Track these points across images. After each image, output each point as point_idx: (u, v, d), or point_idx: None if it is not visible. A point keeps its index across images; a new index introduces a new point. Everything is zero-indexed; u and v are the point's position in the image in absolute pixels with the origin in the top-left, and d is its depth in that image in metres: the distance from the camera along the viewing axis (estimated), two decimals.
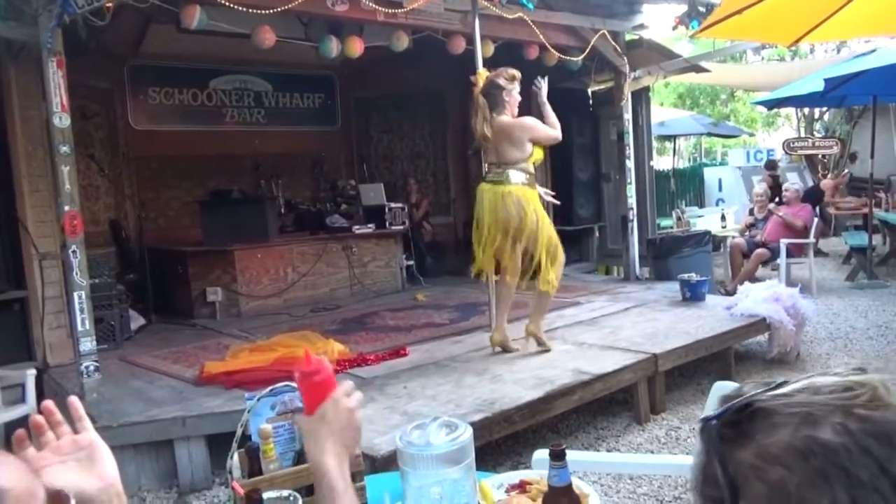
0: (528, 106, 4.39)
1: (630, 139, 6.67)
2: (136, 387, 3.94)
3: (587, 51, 6.00)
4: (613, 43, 6.33)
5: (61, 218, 3.64)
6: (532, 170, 4.08)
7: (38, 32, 3.55)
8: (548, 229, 4.05)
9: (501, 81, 4.03)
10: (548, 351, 4.14)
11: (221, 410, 3.39)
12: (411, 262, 7.39)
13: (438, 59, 5.79)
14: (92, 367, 3.72)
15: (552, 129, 4.12)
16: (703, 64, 7.37)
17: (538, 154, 4.12)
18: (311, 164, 8.05)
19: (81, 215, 3.78)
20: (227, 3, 3.85)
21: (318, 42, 5.11)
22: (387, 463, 2.63)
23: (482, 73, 4.23)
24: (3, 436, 3.84)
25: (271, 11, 4.13)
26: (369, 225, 6.97)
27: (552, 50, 5.77)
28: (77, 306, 3.65)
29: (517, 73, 4.10)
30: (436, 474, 1.14)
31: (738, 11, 3.63)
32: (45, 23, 3.43)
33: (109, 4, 3.62)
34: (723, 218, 7.97)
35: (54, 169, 3.68)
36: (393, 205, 7.17)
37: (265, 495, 1.14)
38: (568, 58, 5.96)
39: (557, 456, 1.07)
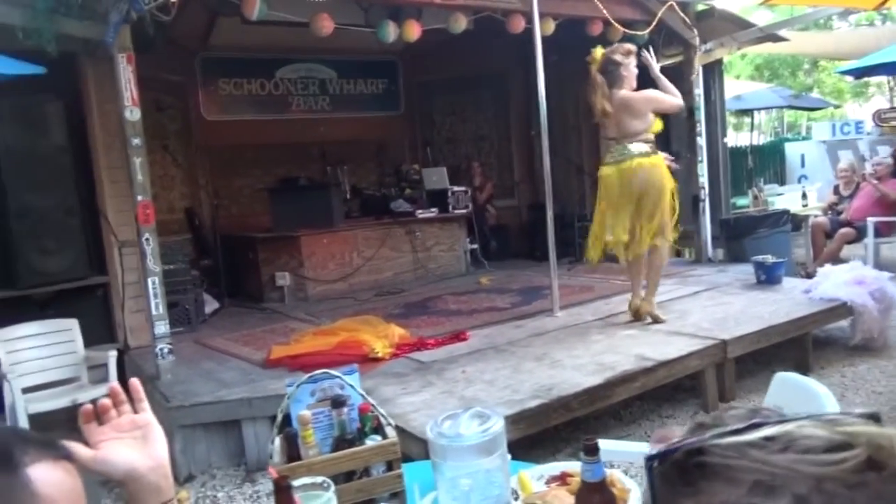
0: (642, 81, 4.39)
1: (702, 115, 6.39)
2: (208, 368, 4.11)
3: (654, 24, 5.77)
4: (682, 14, 6.05)
5: (134, 207, 3.81)
6: (652, 139, 4.22)
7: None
8: (671, 196, 4.21)
9: (618, 57, 4.19)
10: (663, 322, 4.27)
11: (285, 392, 3.48)
12: (475, 246, 7.37)
13: (500, 40, 5.69)
14: (166, 350, 3.90)
15: (674, 98, 4.28)
16: (782, 33, 6.95)
17: (658, 125, 4.26)
18: (376, 150, 8.12)
19: (155, 205, 3.95)
20: None
21: (376, 27, 5.12)
22: None
23: (598, 51, 4.29)
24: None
25: None
26: (433, 209, 6.99)
27: (616, 25, 5.57)
28: (151, 291, 3.83)
29: (632, 48, 4.27)
30: (467, 465, 1.12)
31: None
32: (111, 20, 3.57)
33: (174, 0, 3.73)
34: (804, 196, 7.53)
35: (128, 160, 3.85)
36: (456, 188, 7.16)
37: (300, 481, 1.16)
38: (633, 32, 5.73)
39: (590, 450, 1.02)
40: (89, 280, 4.75)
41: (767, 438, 0.45)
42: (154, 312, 3.85)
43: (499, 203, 8.15)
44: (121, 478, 0.91)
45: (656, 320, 4.31)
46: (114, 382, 0.99)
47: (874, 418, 0.47)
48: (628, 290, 5.38)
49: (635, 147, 4.12)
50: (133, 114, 3.69)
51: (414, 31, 5.03)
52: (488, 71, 8.03)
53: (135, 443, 0.94)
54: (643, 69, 4.33)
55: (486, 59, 7.49)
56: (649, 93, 4.23)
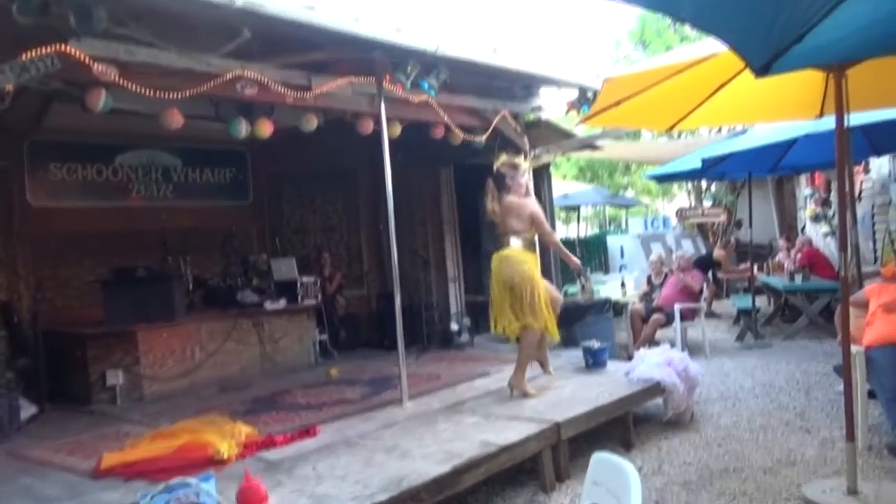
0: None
1: None
2: (26, 484, 3.70)
3: (490, 130, 6.39)
4: (514, 123, 6.77)
5: None
6: (530, 237, 4.99)
7: None
8: (538, 286, 4.82)
9: (504, 170, 4.96)
10: (534, 396, 4.78)
11: None
12: (324, 337, 7.36)
13: (350, 136, 5.98)
14: None
15: (553, 235, 5.36)
16: (598, 142, 7.95)
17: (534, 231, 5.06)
18: (222, 240, 7.96)
19: None
20: (134, 89, 3.90)
21: (228, 123, 5.19)
22: None
23: (498, 161, 5.02)
24: None
25: (180, 96, 4.21)
26: (281, 300, 6.93)
27: (457, 130, 6.11)
28: None
29: (518, 162, 5.05)
30: None
31: (616, 103, 4.05)
32: None
33: (10, 88, 3.60)
34: (622, 285, 8.42)
35: None
36: (305, 279, 7.18)
37: None
38: (472, 137, 6.31)
39: None
40: None
41: None
42: None
43: (348, 293, 8.25)
44: None
45: (526, 395, 4.78)
46: None
47: None
48: (473, 376, 5.70)
49: (513, 241, 4.86)
50: None
51: (266, 128, 5.17)
52: (338, 166, 8.30)
53: None
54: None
55: (336, 154, 7.76)
56: (533, 205, 4.99)
